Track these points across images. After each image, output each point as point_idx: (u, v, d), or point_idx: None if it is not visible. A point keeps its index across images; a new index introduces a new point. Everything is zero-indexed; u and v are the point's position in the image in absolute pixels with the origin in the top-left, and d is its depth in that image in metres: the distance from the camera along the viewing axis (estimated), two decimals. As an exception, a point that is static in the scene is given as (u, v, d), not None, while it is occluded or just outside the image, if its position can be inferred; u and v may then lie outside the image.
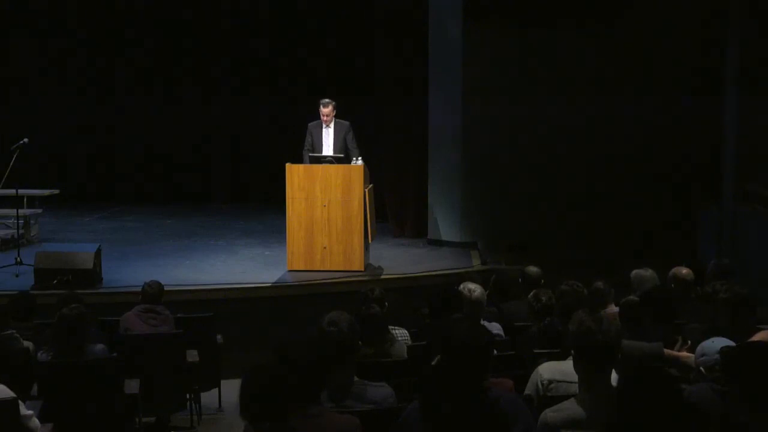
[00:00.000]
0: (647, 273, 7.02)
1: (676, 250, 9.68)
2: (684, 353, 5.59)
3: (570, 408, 4.00)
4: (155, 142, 15.06)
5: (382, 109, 12.69)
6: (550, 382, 4.64)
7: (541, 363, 4.90)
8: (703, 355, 4.64)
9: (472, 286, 6.46)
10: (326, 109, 10.19)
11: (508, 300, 7.54)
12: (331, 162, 9.92)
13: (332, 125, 10.22)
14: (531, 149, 11.83)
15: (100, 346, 6.35)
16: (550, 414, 4.02)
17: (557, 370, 4.68)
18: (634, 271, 7.07)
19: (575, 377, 4.27)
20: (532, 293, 6.76)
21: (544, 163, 11.83)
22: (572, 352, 4.12)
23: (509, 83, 11.80)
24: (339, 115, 10.30)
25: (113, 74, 15.13)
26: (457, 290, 6.34)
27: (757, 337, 5.48)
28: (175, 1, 14.88)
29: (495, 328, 6.32)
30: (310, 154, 10.00)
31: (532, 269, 7.64)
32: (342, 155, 10.05)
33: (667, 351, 5.66)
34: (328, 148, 10.19)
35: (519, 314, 7.01)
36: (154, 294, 7.49)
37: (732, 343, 4.64)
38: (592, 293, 6.42)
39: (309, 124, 10.34)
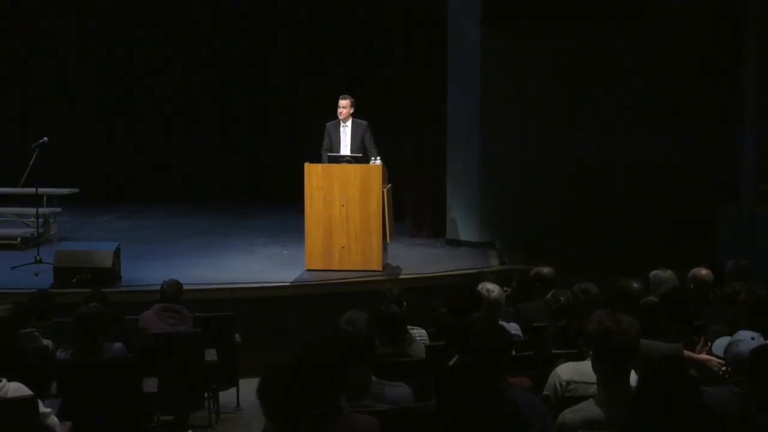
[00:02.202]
0: (666, 274, 6.95)
1: (695, 251, 9.61)
2: (704, 355, 5.54)
3: (588, 409, 3.98)
4: (173, 141, 15.11)
5: (401, 109, 12.67)
6: (569, 383, 4.62)
7: (560, 363, 4.88)
8: (734, 353, 4.59)
9: (490, 286, 6.43)
10: (344, 102, 10.22)
11: (532, 300, 7.50)
12: (349, 162, 9.90)
13: (349, 124, 10.22)
14: (549, 149, 11.79)
15: (118, 345, 6.36)
16: (568, 415, 4.00)
17: (575, 371, 4.66)
18: (653, 272, 7.01)
19: (593, 378, 4.25)
20: (550, 293, 6.72)
21: (563, 163, 11.78)
22: (590, 352, 4.09)
23: (528, 84, 11.76)
24: (358, 114, 10.30)
25: (132, 74, 15.16)
26: (476, 290, 6.32)
27: None
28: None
29: (513, 328, 6.30)
30: (329, 154, 9.99)
31: (545, 270, 7.59)
32: (360, 155, 10.04)
33: (686, 352, 5.61)
34: (345, 148, 10.18)
35: (537, 314, 6.98)
36: (172, 293, 7.50)
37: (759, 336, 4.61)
38: (624, 292, 6.34)
39: (327, 124, 10.34)
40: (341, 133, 10.26)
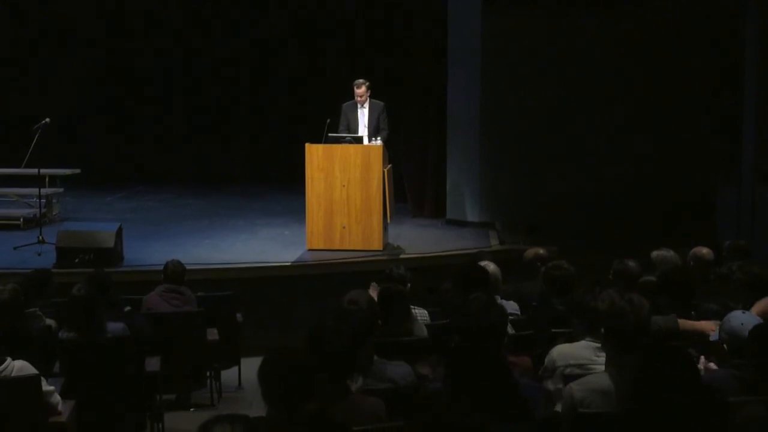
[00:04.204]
0: (668, 254, 6.96)
1: (695, 233, 9.61)
2: (700, 322, 5.56)
3: (595, 381, 4.02)
4: (174, 123, 15.08)
5: (402, 91, 12.62)
6: (565, 366, 4.65)
7: (557, 343, 4.88)
8: (729, 332, 4.59)
9: (486, 263, 6.44)
10: (360, 90, 10.24)
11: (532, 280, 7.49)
12: (350, 142, 9.89)
13: (367, 105, 10.25)
14: (550, 131, 11.77)
15: (120, 325, 6.36)
16: (575, 387, 4.03)
17: (570, 354, 4.70)
18: (655, 252, 7.01)
19: (586, 361, 4.42)
20: (543, 271, 6.72)
21: (562, 144, 11.76)
22: (602, 331, 4.12)
23: (527, 67, 11.74)
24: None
25: (134, 55, 15.11)
26: (480, 268, 6.32)
27: (757, 307, 5.46)
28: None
29: (511, 306, 6.30)
30: (329, 134, 9.97)
31: (531, 251, 7.60)
32: (361, 136, 10.04)
33: (681, 321, 5.64)
34: (363, 128, 10.23)
35: (536, 294, 6.96)
36: (177, 273, 7.49)
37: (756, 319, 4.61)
38: (620, 273, 6.34)
39: (343, 105, 10.35)
40: (359, 113, 10.30)
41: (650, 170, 11.71)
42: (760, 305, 5.48)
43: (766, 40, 10.86)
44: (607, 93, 11.70)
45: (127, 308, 7.16)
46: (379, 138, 9.99)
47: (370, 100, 10.28)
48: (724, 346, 4.61)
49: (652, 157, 11.71)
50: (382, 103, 10.33)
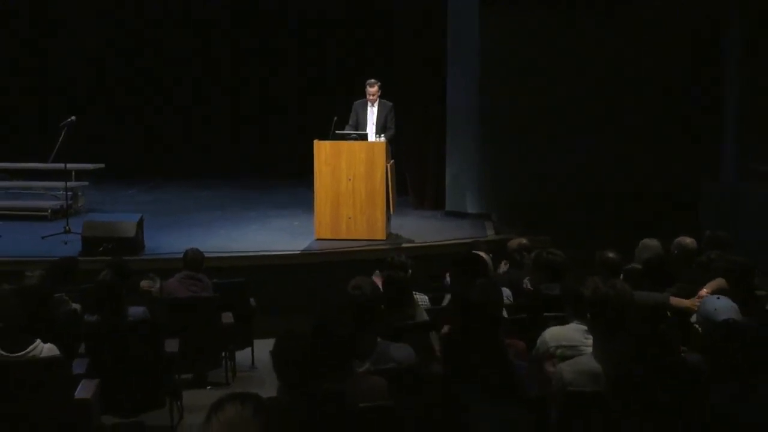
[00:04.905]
0: (653, 243, 6.98)
1: (679, 227, 9.58)
2: (689, 301, 5.57)
3: (584, 362, 4.02)
4: (190, 121, 15.05)
5: (403, 88, 12.58)
6: (557, 347, 4.65)
7: (548, 327, 4.88)
8: (704, 315, 4.59)
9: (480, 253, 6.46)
10: (372, 89, 10.23)
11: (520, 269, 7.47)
12: (355, 139, 9.89)
13: (376, 105, 10.24)
14: (544, 127, 11.73)
15: (141, 309, 6.38)
16: (565, 368, 4.04)
17: (561, 336, 4.69)
18: (642, 241, 7.04)
19: (577, 342, 4.41)
20: (532, 257, 6.72)
21: (555, 140, 11.72)
22: (588, 316, 4.12)
23: (524, 64, 11.68)
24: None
25: (155, 55, 15.03)
26: (477, 255, 6.32)
27: (709, 286, 5.47)
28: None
29: (504, 292, 6.29)
30: (336, 131, 9.95)
31: (514, 241, 7.61)
32: (366, 133, 10.04)
33: (672, 299, 5.65)
34: (371, 126, 10.21)
35: (519, 280, 6.96)
36: (196, 260, 7.50)
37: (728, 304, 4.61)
38: (603, 263, 6.35)
39: (354, 103, 10.35)
40: (368, 112, 10.28)
41: (639, 166, 11.66)
42: (712, 284, 5.52)
43: (747, 41, 10.81)
44: (599, 92, 11.64)
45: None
46: (383, 135, 9.98)
47: (379, 100, 10.27)
48: (699, 328, 4.63)
49: (641, 154, 11.65)
50: (390, 104, 10.32)
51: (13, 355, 5.04)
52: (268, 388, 3.74)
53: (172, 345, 6.42)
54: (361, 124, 10.23)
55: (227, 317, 7.45)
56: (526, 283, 6.50)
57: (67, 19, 14.78)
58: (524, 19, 11.64)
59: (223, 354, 7.56)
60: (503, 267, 7.56)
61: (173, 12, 14.93)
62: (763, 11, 10.50)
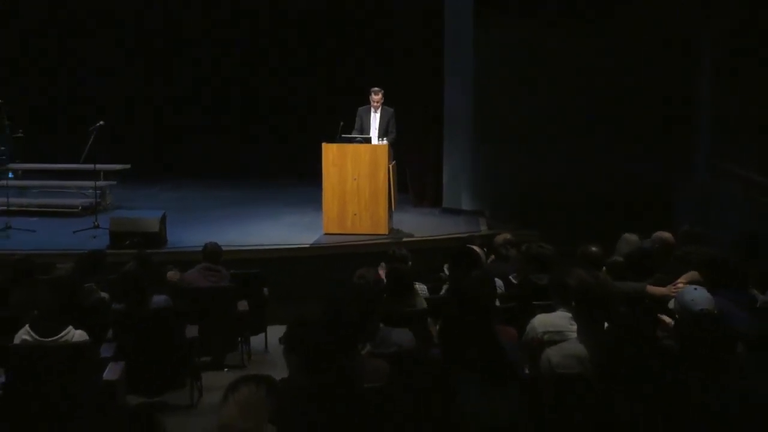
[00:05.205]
0: (632, 237, 6.99)
1: (656, 221, 9.55)
2: (666, 288, 5.56)
3: (569, 347, 4.02)
4: (211, 124, 15.04)
5: (403, 92, 12.54)
6: (545, 333, 4.65)
7: (537, 314, 4.88)
8: (681, 304, 4.57)
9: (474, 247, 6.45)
10: (377, 96, 10.24)
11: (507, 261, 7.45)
12: (360, 142, 9.90)
13: (379, 111, 10.23)
14: (534, 130, 11.70)
15: (163, 297, 6.38)
16: (552, 352, 4.04)
17: (549, 323, 4.69)
18: (622, 236, 7.03)
19: (563, 328, 4.42)
20: (523, 250, 6.71)
21: (544, 142, 11.68)
22: (573, 304, 4.13)
23: (515, 72, 11.65)
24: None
25: (171, 57, 14.95)
26: (472, 249, 6.32)
27: (684, 278, 5.46)
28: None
29: (496, 283, 6.29)
30: (342, 135, 9.95)
31: (500, 237, 7.60)
32: (370, 137, 10.04)
33: (649, 287, 5.64)
34: (375, 130, 10.22)
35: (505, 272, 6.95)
36: (215, 253, 7.50)
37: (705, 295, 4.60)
38: (586, 256, 6.34)
39: (359, 109, 10.34)
40: (372, 117, 10.28)
41: (620, 167, 11.60)
42: (686, 276, 5.52)
43: (718, 48, 10.77)
44: (582, 99, 11.58)
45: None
46: (385, 138, 9.99)
47: (382, 106, 10.26)
48: (676, 315, 4.62)
49: (622, 156, 11.58)
50: (392, 110, 10.31)
51: (47, 339, 5.05)
52: (280, 369, 3.73)
53: (192, 331, 6.44)
54: (365, 128, 10.24)
55: (243, 305, 7.45)
56: (512, 278, 6.49)
57: (87, 23, 14.69)
58: (515, 30, 11.60)
59: (239, 339, 7.56)
60: (490, 260, 7.55)
61: (194, 14, 14.77)
62: (734, 29, 10.47)
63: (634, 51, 11.49)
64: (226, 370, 7.34)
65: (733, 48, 10.44)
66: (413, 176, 12.65)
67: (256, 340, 7.90)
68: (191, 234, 9.76)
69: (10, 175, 12.32)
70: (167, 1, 14.82)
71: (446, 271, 6.72)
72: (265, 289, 8.02)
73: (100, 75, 14.77)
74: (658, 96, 11.45)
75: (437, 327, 5.02)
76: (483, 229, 10.85)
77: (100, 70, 14.78)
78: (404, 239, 9.89)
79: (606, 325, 4.08)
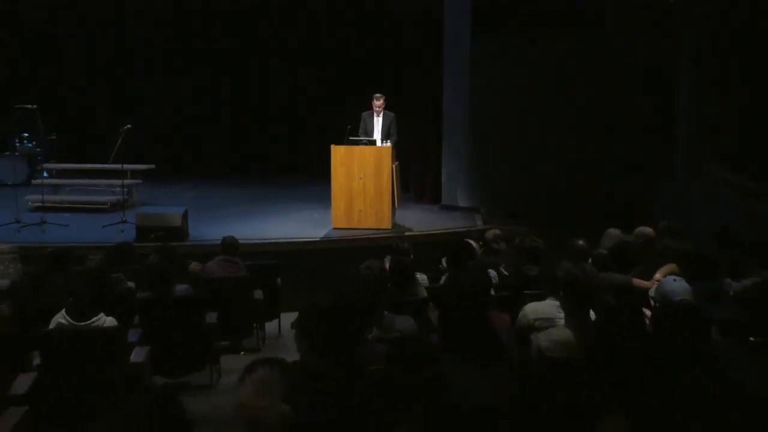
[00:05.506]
0: (615, 232, 6.94)
1: (637, 217, 9.52)
2: (648, 283, 5.56)
3: (557, 333, 4.01)
4: (231, 128, 15.03)
5: (406, 100, 12.54)
6: (536, 320, 4.65)
7: (527, 303, 4.88)
8: (662, 294, 4.57)
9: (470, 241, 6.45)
10: (379, 102, 10.23)
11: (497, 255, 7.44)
12: (366, 144, 9.90)
13: (381, 115, 10.22)
14: (525, 133, 11.68)
15: (185, 286, 6.39)
16: (541, 337, 4.03)
17: (540, 311, 4.69)
18: (606, 230, 7.00)
19: (552, 315, 4.39)
20: (517, 243, 6.70)
21: (535, 143, 11.66)
22: (561, 293, 4.12)
23: (507, 80, 11.63)
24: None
25: (191, 63, 14.89)
26: (468, 243, 6.31)
27: (662, 271, 5.45)
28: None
29: (491, 273, 6.28)
30: (350, 137, 9.95)
31: (490, 232, 7.60)
32: (375, 139, 10.04)
33: (635, 280, 5.64)
34: (377, 134, 10.22)
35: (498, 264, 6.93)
36: (232, 245, 7.50)
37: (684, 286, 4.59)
38: (574, 249, 6.33)
39: (363, 114, 10.34)
40: (375, 121, 10.27)
41: (604, 168, 11.58)
42: (664, 269, 5.51)
43: (697, 65, 10.74)
44: (571, 106, 11.56)
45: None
46: (389, 141, 10.00)
47: (384, 111, 10.25)
48: (656, 305, 4.62)
49: (606, 157, 11.57)
50: (393, 114, 10.30)
51: (81, 323, 5.06)
52: (293, 353, 3.73)
53: (211, 317, 6.44)
54: (369, 131, 10.22)
55: (258, 294, 7.46)
56: (503, 269, 6.49)
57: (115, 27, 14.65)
58: (508, 42, 11.59)
59: (255, 325, 7.57)
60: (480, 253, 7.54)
61: (214, 17, 14.70)
62: (714, 29, 10.41)
63: (621, 58, 11.46)
64: (242, 353, 7.34)
65: (714, 49, 10.40)
66: (415, 175, 12.66)
67: (271, 326, 7.91)
68: (211, 228, 9.77)
69: (45, 174, 12.35)
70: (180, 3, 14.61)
71: (444, 263, 6.72)
72: (279, 279, 8.03)
73: (129, 77, 14.67)
74: (642, 100, 11.42)
75: (437, 314, 5.01)
76: (479, 224, 10.86)
77: (132, 69, 14.67)
78: (406, 233, 9.90)
79: (591, 312, 4.08)
